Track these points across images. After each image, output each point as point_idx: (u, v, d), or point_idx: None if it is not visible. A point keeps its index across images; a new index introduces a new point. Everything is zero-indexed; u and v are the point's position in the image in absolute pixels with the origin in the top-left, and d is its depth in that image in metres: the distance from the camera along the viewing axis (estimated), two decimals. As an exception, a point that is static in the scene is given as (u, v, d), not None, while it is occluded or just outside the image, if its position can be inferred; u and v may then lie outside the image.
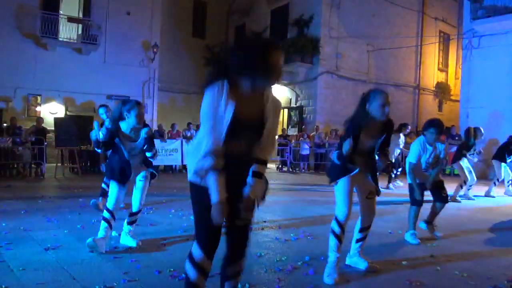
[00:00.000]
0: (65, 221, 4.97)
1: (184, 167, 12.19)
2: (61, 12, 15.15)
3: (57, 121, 11.29)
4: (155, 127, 14.56)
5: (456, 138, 13.22)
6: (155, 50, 16.37)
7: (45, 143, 10.77)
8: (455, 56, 19.06)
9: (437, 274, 3.40)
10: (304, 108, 15.43)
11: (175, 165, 12.56)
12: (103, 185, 5.84)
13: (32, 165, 10.86)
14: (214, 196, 1.94)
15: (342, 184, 3.20)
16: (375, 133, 3.16)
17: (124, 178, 3.86)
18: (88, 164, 11.89)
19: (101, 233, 3.78)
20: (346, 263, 3.49)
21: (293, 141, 13.88)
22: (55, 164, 10.66)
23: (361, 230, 3.43)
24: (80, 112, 15.16)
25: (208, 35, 19.78)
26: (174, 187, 8.18)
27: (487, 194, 8.28)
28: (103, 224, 3.82)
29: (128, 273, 3.17)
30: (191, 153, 2.07)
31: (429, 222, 4.71)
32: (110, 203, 3.86)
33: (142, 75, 16.36)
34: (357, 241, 3.45)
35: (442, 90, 18.61)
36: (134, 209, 4.07)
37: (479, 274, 3.39)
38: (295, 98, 15.89)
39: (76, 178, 10.28)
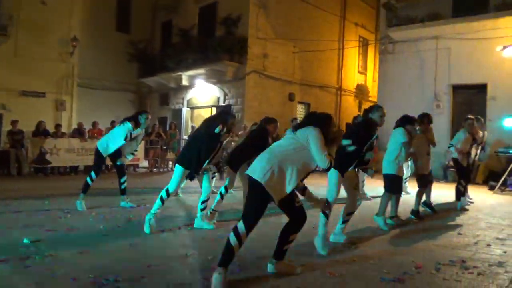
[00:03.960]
0: (-33, 229, 4.48)
1: (106, 168, 11.62)
2: (-37, -2, 13.64)
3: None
4: (74, 126, 13.74)
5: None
6: (74, 44, 15.38)
7: None
8: (373, 60, 20.37)
9: (354, 264, 3.62)
10: (232, 107, 15.49)
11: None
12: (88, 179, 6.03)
13: None
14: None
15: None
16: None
17: None
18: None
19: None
20: (330, 240, 4.32)
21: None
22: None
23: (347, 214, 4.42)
24: (-12, 109, 13.79)
25: (133, 30, 19.04)
26: (96, 188, 7.71)
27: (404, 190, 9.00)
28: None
29: (41, 283, 2.94)
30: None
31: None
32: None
33: (60, 71, 15.28)
34: (343, 222, 4.42)
35: (361, 91, 19.77)
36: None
37: (392, 263, 3.66)
38: (223, 96, 15.90)
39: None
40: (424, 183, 6.19)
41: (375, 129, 4.46)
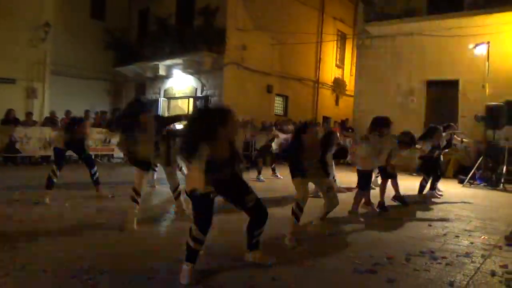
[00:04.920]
0: None
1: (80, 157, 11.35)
2: None
3: None
4: (46, 114, 13.36)
5: (350, 130, 14.36)
6: (46, 29, 14.86)
7: None
8: (350, 54, 20.56)
9: (328, 256, 3.68)
10: (210, 97, 15.39)
11: (69, 156, 11.61)
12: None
13: None
14: None
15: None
16: None
17: None
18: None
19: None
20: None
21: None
22: None
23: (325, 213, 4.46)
24: (-48, 96, 13.19)
25: (108, 18, 18.55)
26: (68, 179, 7.54)
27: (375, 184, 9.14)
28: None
29: (10, 276, 2.86)
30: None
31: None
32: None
33: (31, 56, 14.72)
34: (321, 218, 4.51)
35: (338, 85, 19.96)
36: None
37: (364, 254, 3.73)
38: (201, 87, 15.76)
39: None
40: (387, 175, 6.31)
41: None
